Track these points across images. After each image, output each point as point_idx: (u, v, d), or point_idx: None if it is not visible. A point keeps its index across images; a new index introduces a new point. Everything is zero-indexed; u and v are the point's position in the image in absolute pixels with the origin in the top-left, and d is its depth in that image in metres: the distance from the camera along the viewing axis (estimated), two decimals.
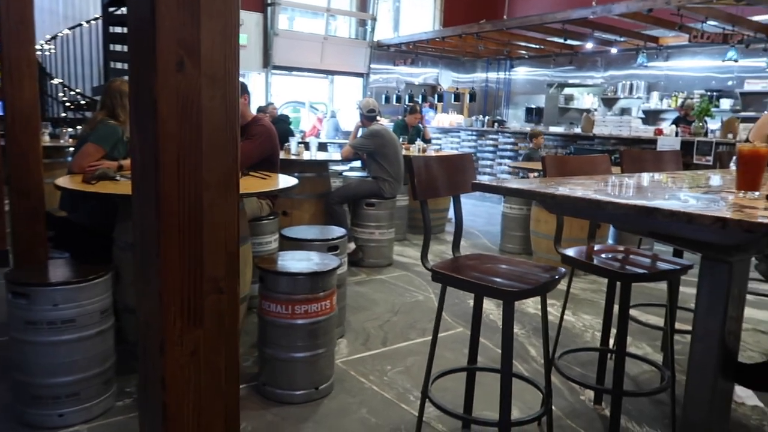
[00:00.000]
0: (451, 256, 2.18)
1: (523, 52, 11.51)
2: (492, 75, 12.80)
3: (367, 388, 2.61)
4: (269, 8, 10.29)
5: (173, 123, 1.06)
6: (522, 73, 12.28)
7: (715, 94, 8.91)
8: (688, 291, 3.71)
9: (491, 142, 9.28)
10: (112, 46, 7.82)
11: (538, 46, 10.69)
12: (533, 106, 11.07)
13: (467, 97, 12.50)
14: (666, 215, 1.39)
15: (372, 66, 11.76)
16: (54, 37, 8.13)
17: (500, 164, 9.11)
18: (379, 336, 3.21)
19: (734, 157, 2.00)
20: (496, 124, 9.79)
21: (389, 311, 3.63)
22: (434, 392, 2.11)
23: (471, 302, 3.55)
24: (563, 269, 2.02)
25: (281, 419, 2.32)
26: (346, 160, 5.08)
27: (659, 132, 7.19)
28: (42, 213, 2.98)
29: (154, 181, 1.05)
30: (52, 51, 8.14)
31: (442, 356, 2.85)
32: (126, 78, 4.72)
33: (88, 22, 8.31)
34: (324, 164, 4.86)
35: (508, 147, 8.98)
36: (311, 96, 12.18)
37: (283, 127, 6.62)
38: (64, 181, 2.99)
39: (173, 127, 1.06)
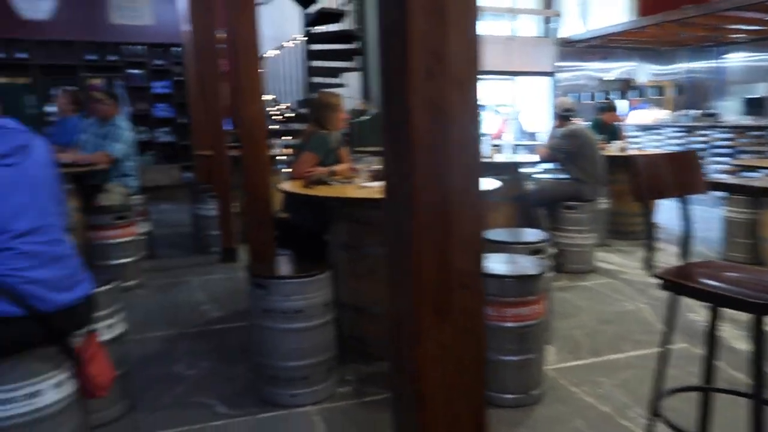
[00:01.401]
0: (667, 265, 1.97)
1: (739, 36, 10.14)
2: (697, 64, 11.49)
3: (579, 399, 2.49)
4: None
5: (425, 128, 1.12)
6: (737, 59, 10.83)
7: None
8: None
9: (702, 138, 8.32)
10: (312, 63, 8.55)
11: (758, 28, 9.34)
12: (755, 96, 9.67)
13: (669, 91, 11.38)
14: None
15: (559, 63, 11.29)
16: (263, 58, 9.11)
17: (715, 162, 8.11)
18: (588, 345, 3.06)
19: None
20: (707, 118, 8.76)
21: (596, 320, 3.43)
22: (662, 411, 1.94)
23: (692, 315, 3.22)
24: None
25: (495, 421, 2.32)
26: (543, 161, 4.94)
27: None
28: (271, 215, 3.35)
29: (408, 184, 1.11)
30: (262, 70, 9.11)
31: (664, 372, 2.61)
32: (327, 90, 5.12)
33: (291, 41, 9.17)
34: (518, 166, 4.78)
35: (724, 143, 7.96)
36: (493, 98, 12.07)
37: None
38: (287, 186, 3.34)
39: (424, 132, 1.12)
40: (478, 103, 1.18)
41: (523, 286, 2.47)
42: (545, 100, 11.32)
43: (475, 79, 1.19)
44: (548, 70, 11.36)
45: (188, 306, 3.91)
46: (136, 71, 9.57)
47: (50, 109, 8.52)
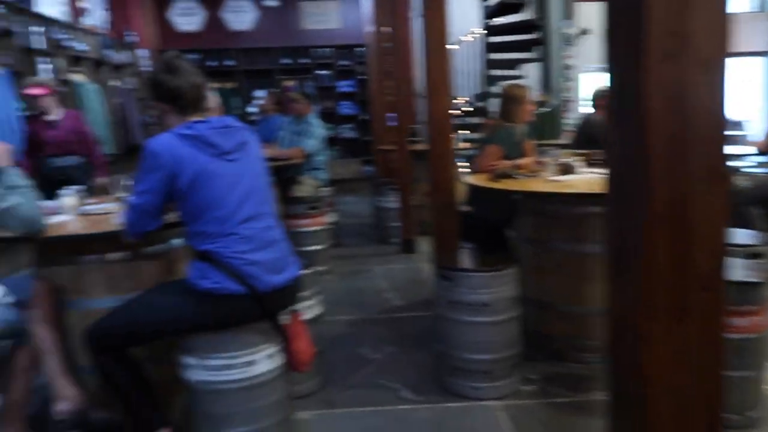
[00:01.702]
0: None
1: None
2: None
3: None
4: None
5: (660, 115, 1.03)
6: None
7: None
8: None
9: None
10: (491, 55, 8.41)
11: None
12: None
13: None
14: None
15: None
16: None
17: None
18: None
19: None
20: None
21: None
22: None
23: None
24: None
25: None
26: (761, 153, 4.33)
27: None
28: (455, 208, 3.36)
29: (640, 175, 1.03)
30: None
31: None
32: (513, 82, 4.99)
33: (470, 35, 9.10)
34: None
35: None
36: None
37: None
38: (472, 179, 3.33)
39: (660, 120, 1.03)
40: (723, 87, 1.05)
41: (741, 293, 2.19)
42: (757, 84, 9.92)
43: (723, 60, 1.07)
44: (763, 49, 9.90)
45: (372, 293, 4.10)
46: (323, 72, 10.26)
47: (251, 109, 9.51)
